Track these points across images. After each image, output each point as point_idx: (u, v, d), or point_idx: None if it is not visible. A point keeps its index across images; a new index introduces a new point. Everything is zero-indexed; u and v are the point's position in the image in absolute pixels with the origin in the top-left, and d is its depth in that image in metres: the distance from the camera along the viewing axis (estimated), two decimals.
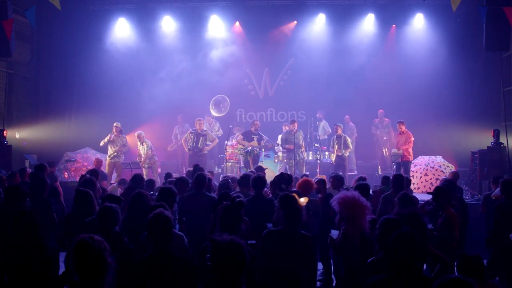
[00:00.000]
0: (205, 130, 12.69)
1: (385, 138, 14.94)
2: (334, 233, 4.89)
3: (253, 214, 5.35)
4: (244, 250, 3.00)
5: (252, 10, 15.38)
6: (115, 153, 12.62)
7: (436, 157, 12.92)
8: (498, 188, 7.10)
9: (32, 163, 12.19)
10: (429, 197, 6.22)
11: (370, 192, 7.04)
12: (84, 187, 6.19)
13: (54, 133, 14.59)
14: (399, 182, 6.88)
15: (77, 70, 15.29)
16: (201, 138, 12.34)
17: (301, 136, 12.45)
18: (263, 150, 12.74)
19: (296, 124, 12.39)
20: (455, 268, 6.30)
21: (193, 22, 15.43)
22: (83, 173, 9.47)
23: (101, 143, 12.68)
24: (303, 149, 12.40)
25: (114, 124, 12.72)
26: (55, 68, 15.24)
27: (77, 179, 10.68)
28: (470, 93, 14.17)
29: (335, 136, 12.72)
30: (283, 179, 6.48)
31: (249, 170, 9.70)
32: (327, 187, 7.30)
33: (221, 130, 14.10)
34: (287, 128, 13.34)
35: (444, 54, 14.44)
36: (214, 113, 14.30)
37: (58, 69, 15.27)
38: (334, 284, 6.63)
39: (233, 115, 15.79)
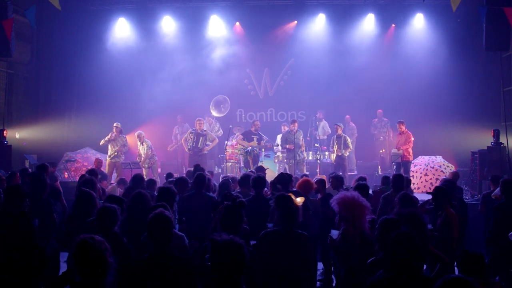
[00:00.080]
0: (205, 130, 12.69)
1: (381, 138, 14.96)
2: (334, 233, 4.89)
3: (253, 214, 5.35)
4: (244, 250, 3.00)
5: (252, 10, 15.38)
6: (115, 153, 12.62)
7: (436, 157, 12.92)
8: (498, 188, 7.11)
9: (32, 163, 12.19)
10: (429, 197, 6.23)
11: (370, 192, 7.04)
12: (84, 187, 6.20)
13: (54, 133, 14.59)
14: (399, 182, 6.88)
15: (77, 70, 15.29)
16: (201, 138, 12.34)
17: (301, 136, 12.46)
18: (263, 150, 12.74)
19: (296, 124, 12.39)
20: (456, 267, 6.32)
21: (193, 22, 15.43)
22: (83, 173, 9.48)
23: (101, 142, 12.68)
24: (303, 149, 12.40)
25: (114, 124, 12.72)
26: (55, 68, 15.24)
27: (77, 179, 10.69)
28: (470, 93, 14.16)
29: (335, 136, 12.72)
30: (282, 179, 6.46)
31: (249, 170, 9.70)
32: (326, 187, 7.30)
33: (221, 130, 14.10)
34: (286, 128, 13.35)
35: (444, 54, 14.44)
36: (214, 113, 14.29)
37: (58, 69, 15.27)
38: (334, 284, 6.62)
39: (233, 115, 15.79)
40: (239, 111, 16.20)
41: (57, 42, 14.96)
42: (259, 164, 11.18)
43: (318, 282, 6.99)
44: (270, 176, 9.04)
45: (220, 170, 13.18)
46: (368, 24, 15.29)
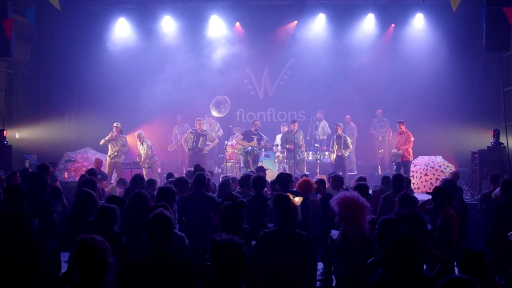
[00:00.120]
0: (205, 130, 12.69)
1: (380, 138, 14.96)
2: (334, 233, 4.89)
3: (253, 214, 5.35)
4: (244, 250, 3.00)
5: (252, 10, 15.38)
6: (115, 153, 12.62)
7: (436, 157, 12.92)
8: (498, 188, 7.11)
9: (32, 163, 12.20)
10: (429, 197, 6.23)
11: (370, 192, 7.04)
12: (84, 187, 6.20)
13: (54, 133, 14.59)
14: (399, 182, 6.88)
15: (77, 70, 15.29)
16: (201, 138, 12.35)
17: (301, 136, 12.46)
18: (263, 150, 12.75)
19: (296, 124, 12.39)
20: (456, 267, 6.31)
21: (193, 22, 15.43)
22: (83, 173, 9.48)
23: (101, 142, 12.68)
24: (303, 149, 12.40)
25: (114, 125, 12.72)
26: (55, 68, 15.24)
27: (77, 179, 10.69)
28: (470, 93, 14.17)
29: (335, 136, 12.72)
30: (281, 179, 6.46)
31: (249, 170, 9.70)
32: (326, 187, 7.30)
33: (221, 130, 14.10)
34: (286, 128, 13.35)
35: (444, 54, 14.45)
36: (214, 113, 14.29)
37: (58, 69, 15.27)
38: (334, 284, 6.62)
39: (233, 115, 15.80)
40: (239, 111, 16.20)
41: (57, 42, 14.96)
42: (259, 164, 11.19)
43: (318, 282, 6.99)
44: (270, 176, 9.04)
45: (220, 170, 13.18)
46: (368, 24, 15.29)
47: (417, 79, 14.46)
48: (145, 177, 9.43)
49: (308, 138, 13.91)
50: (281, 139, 12.73)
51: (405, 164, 12.17)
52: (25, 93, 14.86)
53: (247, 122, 15.26)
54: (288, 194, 4.79)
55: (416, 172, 12.56)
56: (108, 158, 12.71)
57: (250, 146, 12.44)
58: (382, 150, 14.79)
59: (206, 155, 12.56)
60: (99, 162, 11.45)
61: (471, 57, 14.05)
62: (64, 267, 4.65)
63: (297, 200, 4.92)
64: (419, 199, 6.62)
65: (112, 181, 11.69)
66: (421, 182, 12.34)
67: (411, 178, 11.75)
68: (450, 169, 11.96)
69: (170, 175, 8.84)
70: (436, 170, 12.37)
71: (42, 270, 4.16)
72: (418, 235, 3.58)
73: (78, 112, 15.27)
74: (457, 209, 6.29)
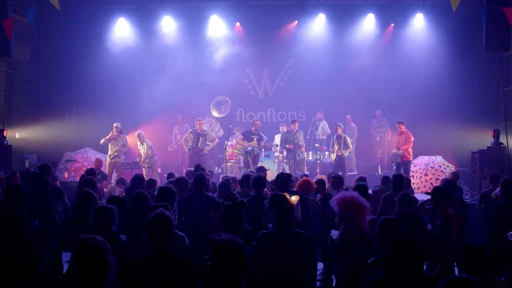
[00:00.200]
0: (205, 130, 12.69)
1: (378, 138, 14.97)
2: (334, 233, 4.89)
3: (253, 214, 5.35)
4: (244, 249, 3.00)
5: (252, 10, 15.38)
6: (115, 153, 12.62)
7: (436, 157, 12.92)
8: (499, 188, 7.11)
9: (32, 163, 12.20)
10: (429, 197, 6.23)
11: (370, 192, 7.04)
12: (84, 187, 6.20)
13: (54, 133, 14.59)
14: (399, 182, 6.88)
15: (77, 70, 15.29)
16: (201, 138, 12.35)
17: (301, 136, 12.46)
18: (263, 150, 12.75)
19: (296, 124, 12.39)
20: (455, 267, 6.31)
21: (193, 22, 15.43)
22: (83, 173, 9.47)
23: (101, 141, 12.68)
24: (303, 149, 12.39)
25: (114, 125, 12.72)
26: (55, 68, 15.24)
27: (77, 179, 10.68)
28: (470, 93, 14.17)
29: (335, 136, 12.71)
30: (281, 179, 6.44)
31: (249, 170, 9.70)
32: (326, 187, 7.30)
33: (221, 130, 14.11)
34: (285, 128, 13.35)
35: (444, 54, 14.45)
36: (214, 113, 14.29)
37: (58, 69, 15.27)
38: (334, 284, 6.63)
39: (233, 115, 15.79)
40: (239, 111, 16.20)
41: (57, 42, 14.96)
42: (259, 164, 11.19)
43: (318, 282, 6.99)
44: (270, 176, 9.04)
45: (220, 170, 13.18)
46: (368, 24, 15.30)
47: (417, 79, 14.46)
48: (145, 177, 9.43)
49: (308, 137, 13.91)
50: (281, 139, 12.72)
51: (405, 164, 12.17)
52: (25, 93, 14.87)
53: (247, 122, 15.26)
54: (285, 193, 4.79)
55: (416, 172, 12.56)
56: (108, 158, 12.71)
57: (250, 146, 12.44)
58: (380, 151, 14.79)
59: (206, 155, 12.56)
60: (99, 162, 11.46)
61: (471, 57, 14.05)
62: (65, 268, 4.65)
63: (294, 199, 4.92)
64: (418, 199, 6.63)
65: (112, 181, 11.69)
66: (421, 182, 12.34)
67: (411, 178, 11.77)
68: (450, 169, 11.96)
69: (170, 175, 8.85)
70: (436, 170, 12.37)
71: (38, 270, 4.16)
72: (418, 235, 3.58)
73: (78, 112, 15.27)
74: (457, 209, 6.30)
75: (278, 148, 12.92)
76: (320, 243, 6.72)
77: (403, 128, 12.35)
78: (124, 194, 8.20)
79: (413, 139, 12.31)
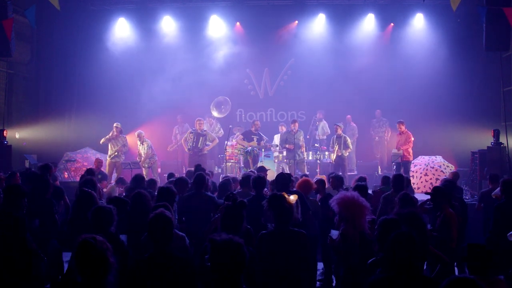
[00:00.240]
0: (205, 130, 12.70)
1: (377, 139, 14.97)
2: (334, 233, 4.89)
3: (253, 214, 5.35)
4: (244, 249, 3.00)
5: (252, 10, 15.38)
6: (116, 153, 12.62)
7: (436, 157, 12.92)
8: (499, 188, 7.11)
9: (32, 163, 12.20)
10: (428, 197, 6.23)
11: (370, 192, 7.04)
12: (84, 187, 6.20)
13: (54, 133, 14.59)
14: (399, 182, 6.89)
15: (77, 70, 15.29)
16: (201, 138, 12.35)
17: (301, 137, 12.45)
18: (263, 150, 12.75)
19: (297, 124, 12.39)
20: (455, 267, 6.30)
21: (193, 22, 15.43)
22: (83, 173, 9.46)
23: (102, 141, 12.68)
24: (303, 149, 12.39)
25: (114, 125, 12.72)
26: (55, 68, 15.24)
27: (77, 179, 10.68)
28: (470, 93, 14.17)
29: (335, 136, 12.70)
30: (280, 179, 6.43)
31: (249, 170, 9.70)
32: (326, 187, 7.30)
33: (222, 131, 14.11)
34: (284, 128, 13.34)
35: (444, 54, 14.44)
36: (215, 114, 14.29)
37: (58, 69, 15.27)
38: (334, 284, 6.63)
39: (233, 115, 15.79)
40: (239, 111, 16.20)
41: (57, 42, 14.96)
42: (259, 164, 11.18)
43: (318, 282, 6.99)
44: (270, 176, 9.04)
45: (220, 170, 13.18)
46: (368, 24, 15.29)
47: (417, 79, 14.45)
48: (145, 177, 9.43)
49: (308, 137, 13.91)
50: (281, 139, 12.72)
51: (405, 164, 12.17)
52: (25, 93, 14.86)
53: (247, 122, 15.26)
54: (283, 193, 4.79)
55: (416, 172, 12.56)
56: (108, 158, 12.71)
57: (250, 146, 12.44)
58: (380, 156, 14.81)
59: (206, 155, 12.56)
60: (99, 162, 11.45)
61: (471, 57, 14.05)
62: (66, 268, 4.65)
63: (292, 198, 4.91)
64: (418, 199, 6.63)
65: (112, 181, 11.69)
66: (421, 182, 12.34)
67: (411, 178, 11.77)
68: (450, 169, 11.96)
69: (171, 175, 8.85)
70: (436, 170, 12.37)
71: (38, 270, 4.16)
72: (418, 235, 3.58)
73: (78, 112, 15.26)
74: (457, 209, 6.30)
75: (277, 148, 12.91)
76: (320, 243, 6.72)
77: (403, 128, 12.34)
78: (124, 194, 8.20)
79: (413, 139, 12.30)
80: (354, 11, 15.25)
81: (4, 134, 12.00)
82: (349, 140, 12.70)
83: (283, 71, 16.21)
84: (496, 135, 11.23)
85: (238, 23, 15.70)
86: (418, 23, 15.13)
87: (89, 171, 8.71)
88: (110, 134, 12.65)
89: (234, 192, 6.08)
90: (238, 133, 13.51)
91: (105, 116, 14.24)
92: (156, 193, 6.20)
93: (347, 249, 4.58)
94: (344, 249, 4.62)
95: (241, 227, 4.22)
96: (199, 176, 6.49)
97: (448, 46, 14.46)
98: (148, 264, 3.63)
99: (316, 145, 13.60)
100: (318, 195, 7.11)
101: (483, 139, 12.17)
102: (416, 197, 6.44)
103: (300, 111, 15.88)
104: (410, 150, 12.24)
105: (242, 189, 6.82)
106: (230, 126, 13.34)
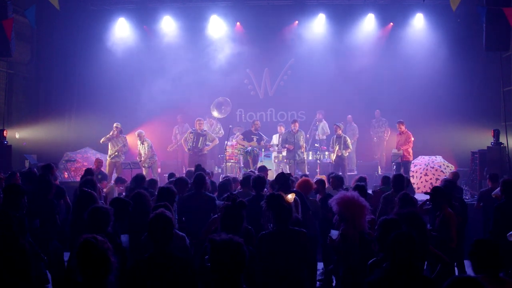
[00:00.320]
0: (205, 130, 12.70)
1: (375, 139, 14.96)
2: (334, 233, 4.89)
3: (253, 214, 5.35)
4: (243, 249, 3.00)
5: (252, 10, 15.38)
6: (116, 153, 12.62)
7: (436, 157, 12.92)
8: (499, 188, 7.11)
9: (32, 163, 12.20)
10: (427, 197, 6.23)
11: (370, 192, 7.04)
12: (84, 187, 6.20)
13: (54, 133, 14.60)
14: (399, 182, 6.88)
15: (77, 70, 15.29)
16: (201, 138, 12.35)
17: (302, 137, 12.44)
18: (263, 150, 12.75)
19: (297, 124, 12.38)
20: (455, 267, 6.30)
21: (193, 22, 15.42)
22: (83, 173, 9.45)
23: (102, 140, 12.67)
24: (303, 149, 12.37)
25: (115, 125, 12.72)
26: (55, 68, 15.24)
27: (77, 179, 10.68)
28: (470, 93, 14.17)
29: (335, 136, 12.70)
30: (280, 179, 6.43)
31: (249, 170, 9.70)
32: (326, 187, 7.30)
33: (222, 131, 14.11)
34: (283, 128, 13.33)
35: (444, 54, 14.44)
36: (215, 114, 14.30)
37: (58, 69, 15.27)
38: (334, 284, 6.62)
39: (233, 115, 15.79)
40: (239, 111, 16.20)
41: (57, 42, 14.96)
42: (259, 164, 11.18)
43: (318, 282, 6.98)
44: (270, 176, 9.05)
45: (220, 170, 13.18)
46: (368, 24, 15.30)
47: (417, 79, 14.46)
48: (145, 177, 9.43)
49: (307, 136, 13.91)
50: (281, 138, 12.71)
51: (405, 164, 12.17)
52: (25, 93, 14.87)
53: (247, 122, 15.26)
54: (280, 192, 4.79)
55: (416, 172, 12.56)
56: (108, 158, 12.71)
57: (250, 146, 12.44)
58: (378, 156, 14.81)
59: (206, 155, 12.56)
60: (99, 162, 11.45)
61: (471, 57, 14.05)
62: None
63: (290, 197, 4.91)
64: (418, 199, 6.63)
65: (112, 181, 11.69)
66: (421, 182, 12.34)
67: (411, 178, 11.77)
68: (450, 169, 11.96)
69: (171, 175, 8.84)
70: (436, 170, 12.37)
71: (33, 269, 4.15)
72: (418, 235, 3.58)
73: (78, 112, 15.27)
74: (457, 209, 6.30)
75: (276, 148, 12.91)
76: (320, 243, 6.72)
77: (403, 128, 12.34)
78: (124, 194, 8.20)
79: (413, 139, 12.30)
80: (354, 11, 15.25)
81: (4, 134, 12.00)
82: (349, 140, 12.69)
83: (283, 71, 16.21)
84: (496, 135, 11.23)
85: (238, 23, 15.70)
86: (418, 23, 15.13)
87: (88, 171, 8.71)
88: (110, 134, 12.65)
89: (234, 192, 6.08)
90: (238, 133, 13.52)
91: (105, 116, 14.24)
92: (156, 193, 6.20)
93: (347, 249, 4.58)
94: (344, 249, 4.62)
95: (241, 227, 4.22)
96: (199, 176, 6.48)
97: (448, 46, 14.46)
98: (148, 264, 3.63)
99: (316, 145, 13.60)
100: (318, 195, 7.10)
101: (483, 139, 12.17)
102: (416, 197, 6.44)
103: (300, 111, 15.88)
104: (410, 150, 12.24)
105: (243, 189, 6.81)
106: (230, 126, 13.34)
